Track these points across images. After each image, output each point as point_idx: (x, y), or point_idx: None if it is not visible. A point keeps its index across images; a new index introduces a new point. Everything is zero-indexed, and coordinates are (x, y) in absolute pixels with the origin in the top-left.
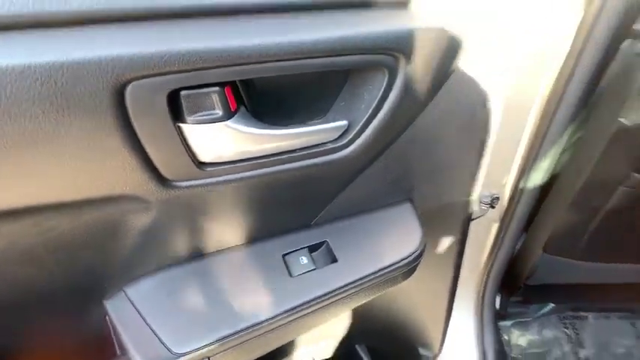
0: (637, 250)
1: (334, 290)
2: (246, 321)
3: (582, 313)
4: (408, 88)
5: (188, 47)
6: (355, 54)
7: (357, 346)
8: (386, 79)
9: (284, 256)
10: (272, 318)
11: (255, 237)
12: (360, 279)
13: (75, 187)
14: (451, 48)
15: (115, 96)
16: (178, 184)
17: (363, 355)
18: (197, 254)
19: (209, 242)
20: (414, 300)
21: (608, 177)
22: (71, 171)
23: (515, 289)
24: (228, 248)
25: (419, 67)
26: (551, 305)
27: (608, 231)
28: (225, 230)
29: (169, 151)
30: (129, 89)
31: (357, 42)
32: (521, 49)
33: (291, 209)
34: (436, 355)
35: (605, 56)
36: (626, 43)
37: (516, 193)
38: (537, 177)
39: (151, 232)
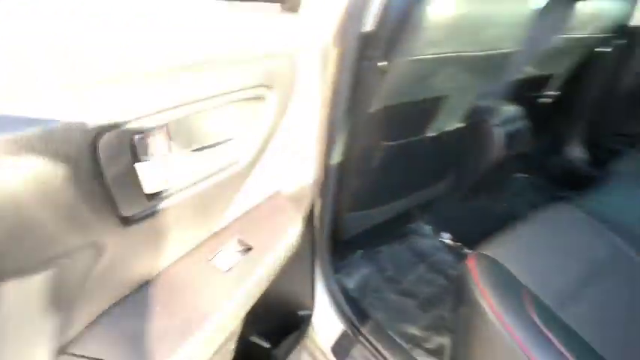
0: (389, 194)
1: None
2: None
3: (379, 248)
4: (278, 109)
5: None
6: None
7: (251, 339)
8: (264, 103)
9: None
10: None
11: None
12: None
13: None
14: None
15: (91, 147)
16: (133, 217)
17: (260, 343)
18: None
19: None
20: (289, 274)
21: (369, 145)
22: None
23: (336, 247)
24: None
25: (283, 92)
26: (360, 251)
27: (373, 185)
28: (171, 248)
29: (129, 189)
30: (101, 141)
31: (245, 83)
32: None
33: (214, 216)
34: (311, 313)
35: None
36: None
37: (328, 171)
38: (336, 157)
39: (105, 271)
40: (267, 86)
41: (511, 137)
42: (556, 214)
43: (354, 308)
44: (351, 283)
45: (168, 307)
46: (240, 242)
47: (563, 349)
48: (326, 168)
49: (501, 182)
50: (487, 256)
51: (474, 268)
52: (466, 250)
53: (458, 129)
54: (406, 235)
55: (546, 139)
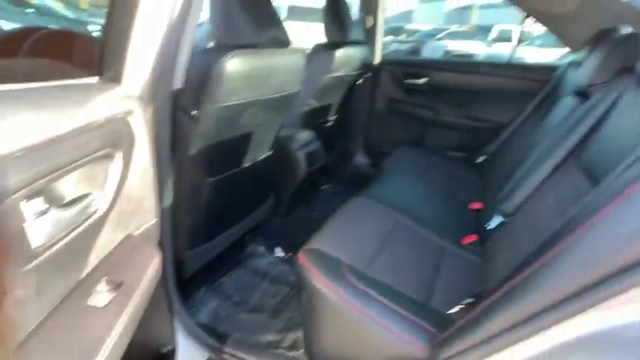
0: (222, 225)
1: None
2: None
3: (221, 280)
4: (124, 163)
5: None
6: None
7: None
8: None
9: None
10: None
11: None
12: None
13: None
14: None
15: None
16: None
17: None
18: None
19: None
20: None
21: (195, 184)
22: None
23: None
24: None
25: (127, 149)
26: (203, 287)
27: (205, 219)
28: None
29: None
30: None
31: (95, 147)
32: None
33: (82, 262)
34: (174, 348)
35: None
36: None
37: (163, 213)
38: (167, 199)
39: None
40: (113, 146)
41: (310, 156)
42: (354, 206)
43: (212, 336)
44: (203, 318)
45: (54, 355)
46: (109, 281)
47: (374, 294)
48: (161, 210)
49: (311, 194)
50: (312, 249)
51: (303, 261)
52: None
53: (268, 156)
54: (244, 260)
55: (337, 153)
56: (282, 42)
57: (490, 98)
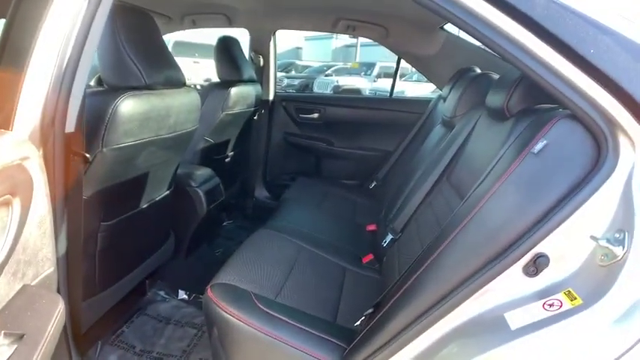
0: (119, 271)
1: None
2: None
3: (121, 330)
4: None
5: None
6: None
7: None
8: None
9: None
10: None
11: None
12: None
13: None
14: None
15: None
16: None
17: None
18: None
19: None
20: None
21: (90, 228)
22: None
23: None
24: None
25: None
26: (99, 342)
27: (102, 266)
28: None
29: None
30: None
31: None
32: None
33: None
34: None
35: None
36: None
37: (58, 261)
38: (61, 247)
39: None
40: (10, 193)
41: (209, 194)
42: (257, 238)
43: None
44: None
45: None
46: (9, 334)
47: (285, 319)
48: (56, 259)
49: (213, 232)
50: (219, 284)
51: (211, 296)
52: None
53: (166, 196)
54: (145, 307)
55: (238, 188)
56: (177, 82)
57: (377, 129)
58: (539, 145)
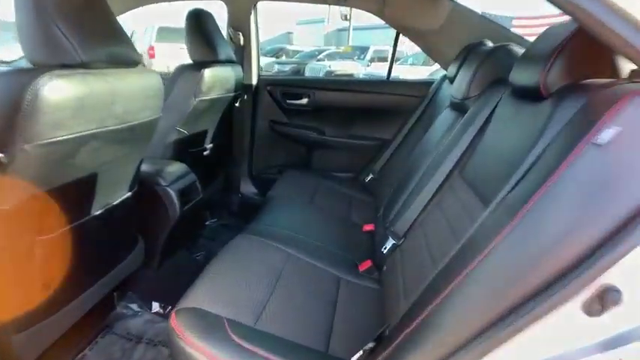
0: (74, 288)
1: None
2: None
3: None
4: None
5: None
6: None
7: None
8: None
9: None
10: None
11: None
12: None
13: None
14: None
15: None
16: None
17: None
18: None
19: None
20: None
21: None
22: None
23: None
24: None
25: None
26: None
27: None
28: None
29: None
30: None
31: None
32: None
33: None
34: None
35: None
36: None
37: None
38: None
39: None
40: None
41: (184, 193)
42: (237, 247)
43: None
44: None
45: None
46: None
47: (264, 353)
48: None
49: (194, 233)
50: (186, 309)
51: (175, 325)
52: None
53: (127, 198)
54: (113, 324)
55: (220, 183)
56: (129, 60)
57: (373, 115)
58: (606, 134)
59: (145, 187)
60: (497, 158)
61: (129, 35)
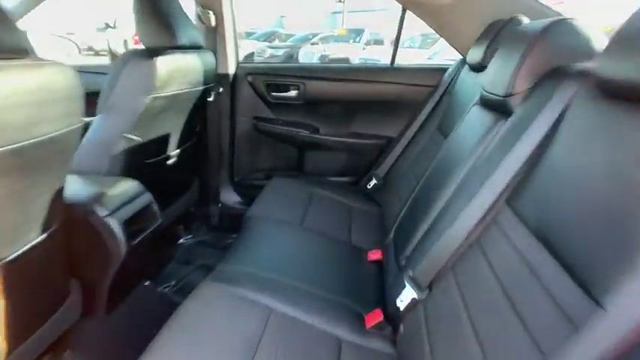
0: None
1: None
2: None
3: None
4: None
5: None
6: None
7: None
8: None
9: None
10: None
11: None
12: None
13: None
14: None
15: None
16: None
17: None
18: None
19: None
20: None
21: None
22: None
23: None
24: None
25: None
26: None
27: None
28: None
29: None
30: None
31: None
32: None
33: None
34: None
35: None
36: None
37: None
38: None
39: None
40: None
41: (133, 221)
42: (201, 301)
43: None
44: None
45: None
46: None
47: None
48: None
49: (164, 255)
50: None
51: None
52: None
53: (41, 241)
54: None
55: (195, 193)
56: (13, 50)
57: (375, 110)
58: None
59: (76, 218)
60: (575, 193)
61: (112, 22)
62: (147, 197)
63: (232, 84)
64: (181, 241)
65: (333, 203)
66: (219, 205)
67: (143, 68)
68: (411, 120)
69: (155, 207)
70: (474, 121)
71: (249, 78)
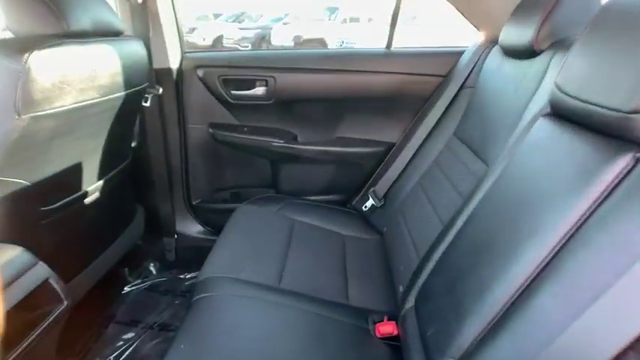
0: None
1: None
2: None
3: None
4: None
5: None
6: None
7: None
8: None
9: None
10: None
11: None
12: None
13: None
14: None
15: None
16: None
17: None
18: None
19: None
20: None
21: None
22: None
23: None
24: None
25: None
26: None
27: None
28: None
29: None
30: None
31: None
32: None
33: None
34: None
35: None
36: None
37: None
38: None
39: None
40: None
41: (20, 308)
42: None
43: None
44: None
45: None
46: None
47: None
48: None
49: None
50: None
51: None
52: None
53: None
54: None
55: (138, 229)
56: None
57: (368, 108)
58: None
59: None
60: None
61: None
62: (39, 271)
63: (177, 81)
64: (126, 289)
65: (320, 235)
66: (175, 236)
67: (7, 70)
68: (416, 121)
69: (53, 283)
70: (552, 144)
71: (200, 72)
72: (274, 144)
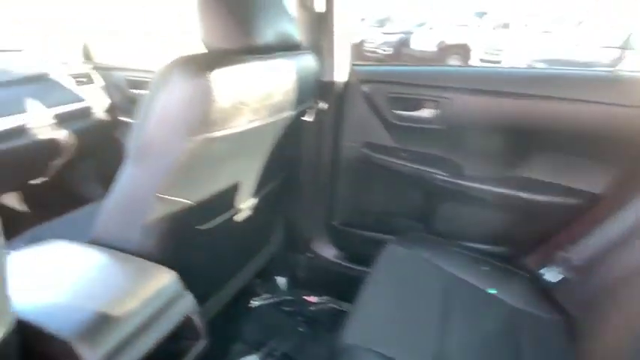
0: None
1: None
2: None
3: None
4: None
5: None
6: None
7: None
8: None
9: None
10: None
11: None
12: None
13: None
14: None
15: None
16: None
17: None
18: None
19: None
20: None
21: None
22: None
23: None
24: None
25: None
26: None
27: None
28: None
29: None
30: None
31: None
32: None
33: None
34: None
35: None
36: None
37: None
38: None
39: None
40: None
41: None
42: None
43: None
44: None
45: None
46: None
47: None
48: None
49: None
50: None
51: None
52: None
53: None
54: None
55: (280, 238)
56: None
57: (572, 145)
58: None
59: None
60: None
61: None
62: (187, 303)
63: (340, 96)
64: (255, 303)
65: (482, 302)
66: (309, 255)
67: (189, 89)
68: (635, 168)
69: (197, 320)
70: None
71: (366, 88)
72: (437, 176)
